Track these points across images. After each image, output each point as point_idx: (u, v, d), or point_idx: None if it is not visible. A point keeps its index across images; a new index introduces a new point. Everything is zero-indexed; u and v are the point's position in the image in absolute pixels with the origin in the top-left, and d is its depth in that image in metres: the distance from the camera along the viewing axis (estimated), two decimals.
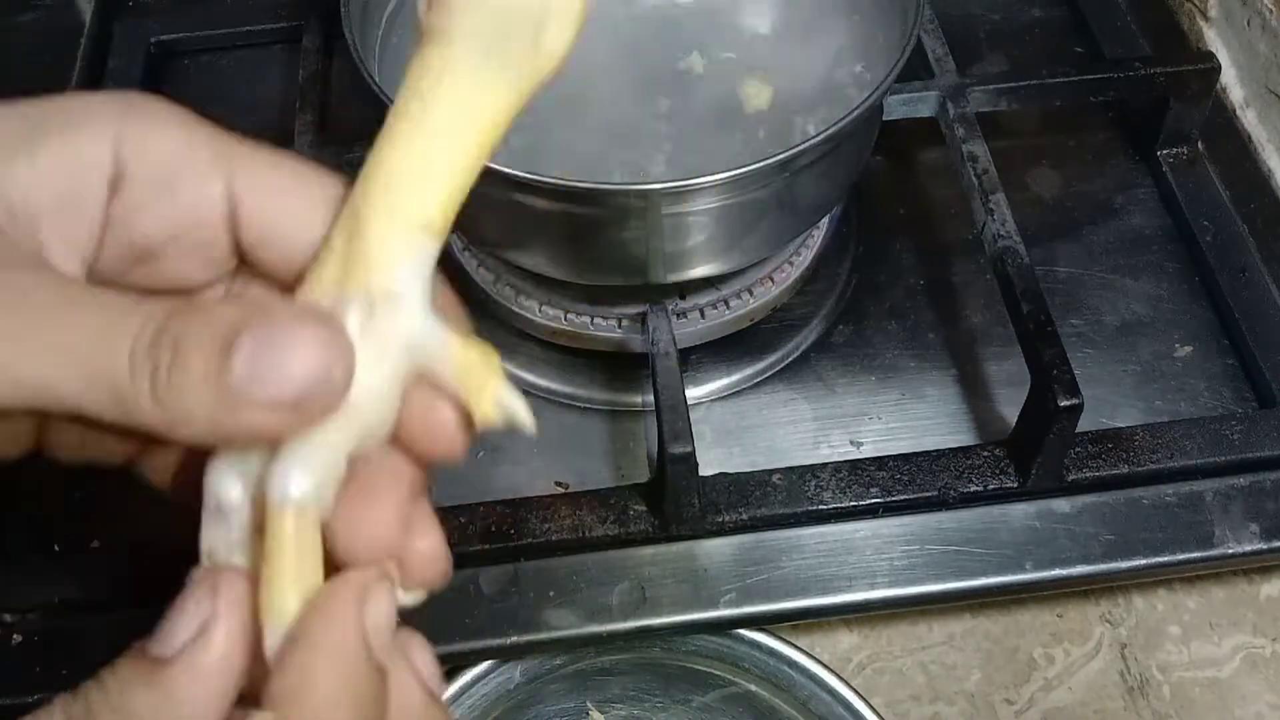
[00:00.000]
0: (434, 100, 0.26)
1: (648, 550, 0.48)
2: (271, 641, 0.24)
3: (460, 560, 0.48)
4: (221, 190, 0.27)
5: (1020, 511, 0.49)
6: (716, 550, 0.48)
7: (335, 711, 0.24)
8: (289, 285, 0.28)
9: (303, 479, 0.25)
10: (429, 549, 0.28)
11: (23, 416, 0.28)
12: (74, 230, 0.27)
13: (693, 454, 0.45)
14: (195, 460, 0.27)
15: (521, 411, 0.26)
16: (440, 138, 0.26)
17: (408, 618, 0.26)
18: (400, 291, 0.26)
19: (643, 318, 0.53)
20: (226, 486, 0.26)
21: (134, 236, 0.27)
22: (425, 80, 0.26)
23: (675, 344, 0.50)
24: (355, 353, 0.25)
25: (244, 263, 0.29)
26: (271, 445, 0.25)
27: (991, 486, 0.49)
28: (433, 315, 0.26)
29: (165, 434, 0.24)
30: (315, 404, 0.24)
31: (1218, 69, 0.61)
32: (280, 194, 0.28)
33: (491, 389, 0.26)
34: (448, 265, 0.56)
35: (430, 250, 0.27)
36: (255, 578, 0.25)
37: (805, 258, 0.58)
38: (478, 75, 0.27)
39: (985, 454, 0.50)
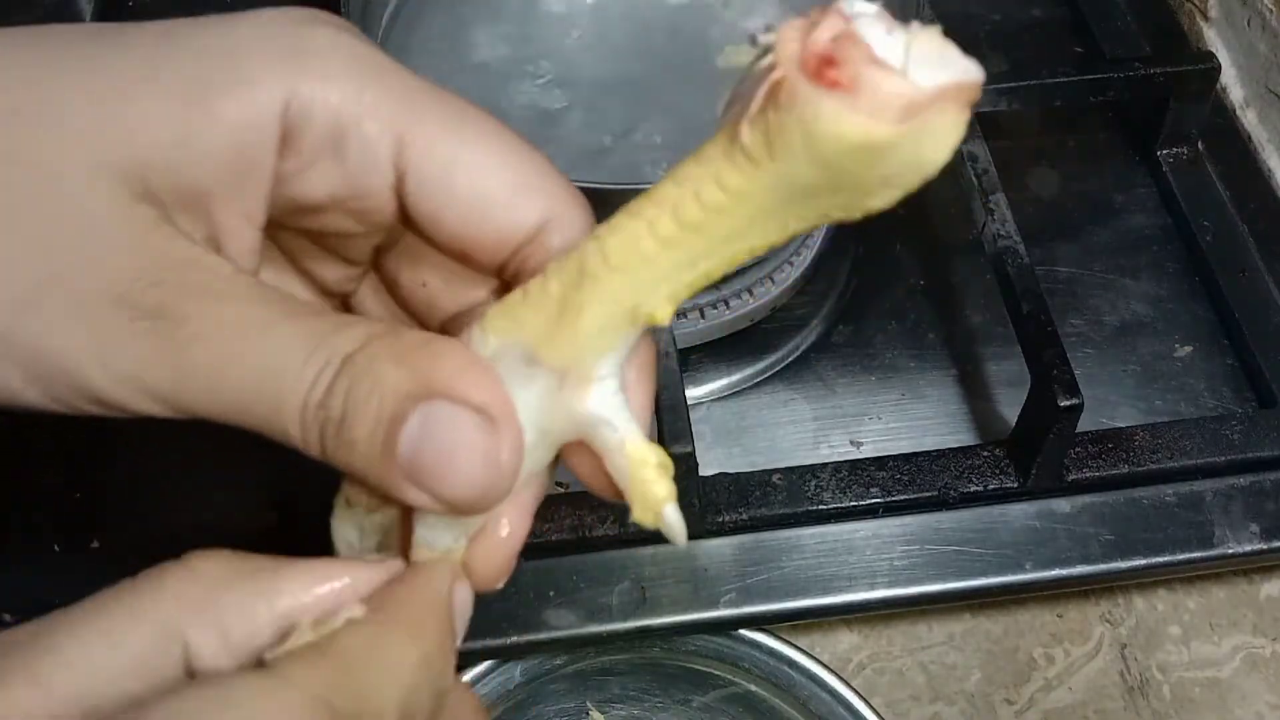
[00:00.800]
0: (716, 217, 0.23)
1: (648, 550, 0.48)
2: None
3: None
4: (389, 157, 0.26)
5: (1020, 511, 0.49)
6: (716, 550, 0.48)
7: (404, 648, 0.24)
8: (448, 247, 0.27)
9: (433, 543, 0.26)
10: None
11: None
12: (246, 203, 0.25)
13: (693, 454, 0.45)
14: None
15: (679, 530, 0.26)
16: (707, 254, 0.24)
17: None
18: (596, 381, 0.25)
19: None
20: (345, 531, 0.28)
21: (295, 195, 0.26)
22: (711, 193, 0.23)
23: (675, 344, 0.50)
24: (525, 442, 0.25)
25: (407, 221, 0.27)
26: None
27: (991, 486, 0.49)
28: (622, 405, 0.26)
29: None
30: (473, 508, 0.24)
31: (1218, 69, 0.61)
32: (452, 166, 0.26)
33: (657, 500, 0.26)
34: None
35: (636, 337, 0.25)
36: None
37: (805, 258, 0.58)
38: (773, 212, 0.23)
39: (985, 454, 0.50)
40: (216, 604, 0.23)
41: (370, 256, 0.30)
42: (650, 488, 0.25)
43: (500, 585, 0.28)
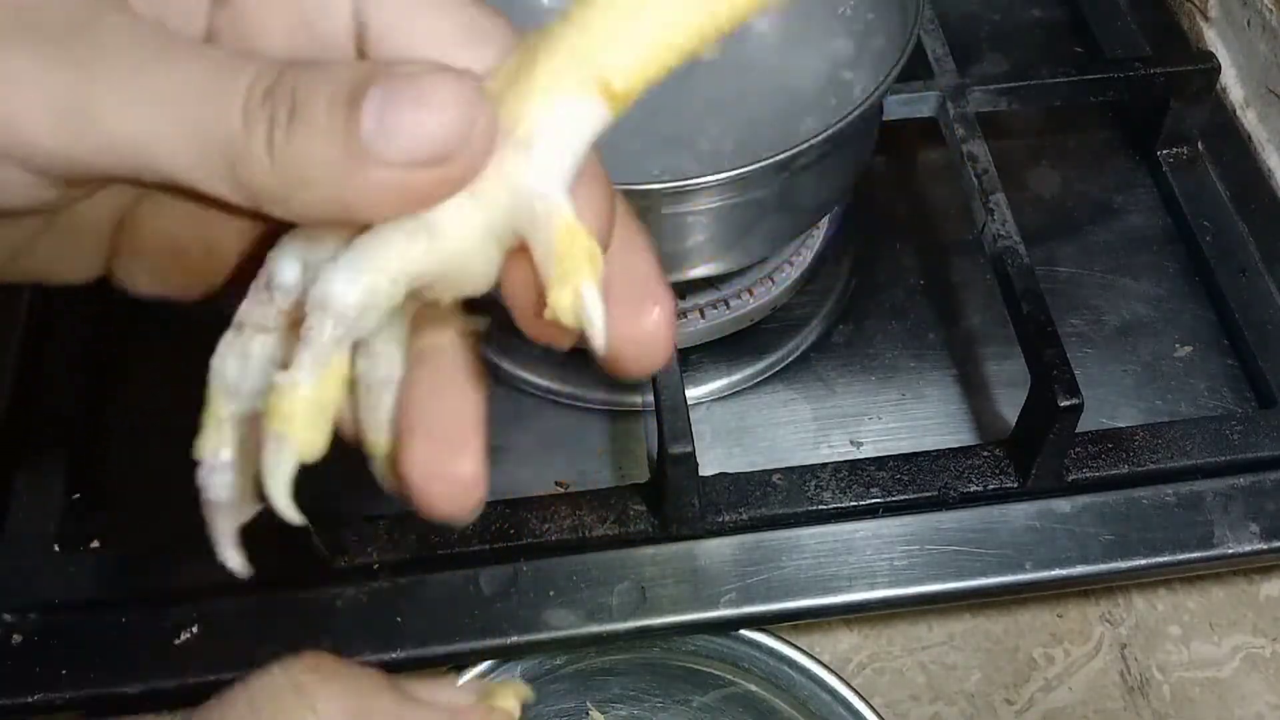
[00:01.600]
0: None
1: (648, 550, 0.48)
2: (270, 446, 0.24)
3: (460, 560, 0.48)
4: (349, 6, 0.24)
5: (1020, 511, 0.49)
6: (716, 550, 0.48)
7: None
8: None
9: (350, 288, 0.23)
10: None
11: (98, 222, 0.26)
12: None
13: (693, 454, 0.45)
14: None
15: (597, 317, 0.24)
16: (659, 16, 0.24)
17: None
18: (536, 141, 0.24)
19: None
20: (286, 266, 0.24)
21: (246, 50, 0.24)
22: None
23: (675, 344, 0.50)
24: (494, 128, 0.23)
25: None
26: (347, 238, 0.24)
27: (991, 486, 0.49)
28: (561, 184, 0.24)
29: (279, 205, 0.22)
30: (453, 166, 0.22)
31: (1218, 69, 0.61)
32: (415, 13, 0.24)
33: (577, 281, 0.24)
34: None
35: (594, 117, 0.24)
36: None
37: (805, 258, 0.58)
38: None
39: (985, 454, 0.50)
40: None
41: None
42: (573, 263, 0.24)
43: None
